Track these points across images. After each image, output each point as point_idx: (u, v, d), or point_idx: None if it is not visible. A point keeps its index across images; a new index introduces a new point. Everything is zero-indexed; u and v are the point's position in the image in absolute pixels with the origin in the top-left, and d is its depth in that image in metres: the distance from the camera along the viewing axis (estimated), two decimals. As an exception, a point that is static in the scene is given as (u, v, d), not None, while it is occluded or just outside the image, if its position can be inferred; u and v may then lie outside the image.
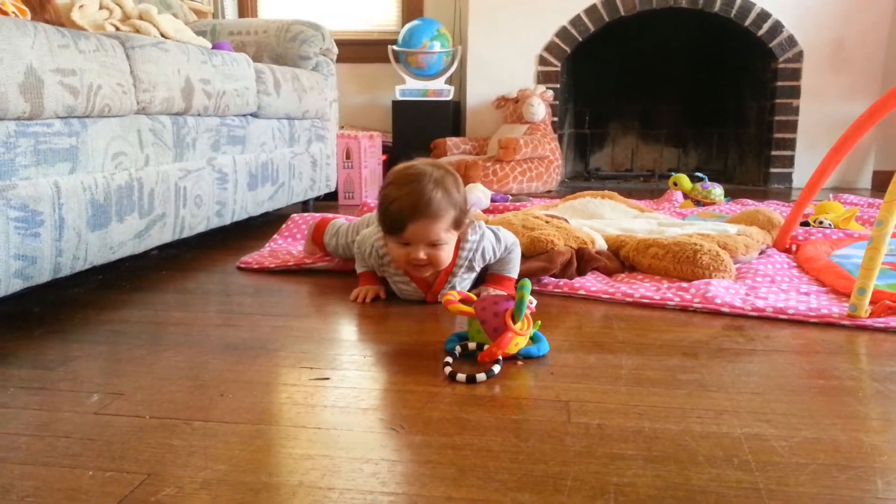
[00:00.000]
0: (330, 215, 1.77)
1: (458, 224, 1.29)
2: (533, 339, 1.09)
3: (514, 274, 1.41)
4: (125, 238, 1.46)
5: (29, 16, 1.55)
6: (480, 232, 1.35)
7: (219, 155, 1.88)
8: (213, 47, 2.03)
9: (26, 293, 1.40)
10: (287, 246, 1.88)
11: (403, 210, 1.23)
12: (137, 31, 1.79)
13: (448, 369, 0.99)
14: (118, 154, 1.44)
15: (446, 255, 1.29)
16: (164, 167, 1.61)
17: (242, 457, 0.76)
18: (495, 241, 1.38)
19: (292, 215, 2.02)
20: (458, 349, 1.06)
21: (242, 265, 1.71)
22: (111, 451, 0.77)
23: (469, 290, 1.38)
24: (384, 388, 0.96)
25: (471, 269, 1.37)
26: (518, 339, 1.04)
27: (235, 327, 1.23)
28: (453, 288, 1.36)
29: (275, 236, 1.95)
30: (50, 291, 1.45)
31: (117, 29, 1.79)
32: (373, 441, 0.80)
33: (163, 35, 1.83)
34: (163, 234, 1.61)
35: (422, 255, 1.26)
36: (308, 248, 1.73)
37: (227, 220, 1.93)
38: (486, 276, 1.43)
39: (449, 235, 1.28)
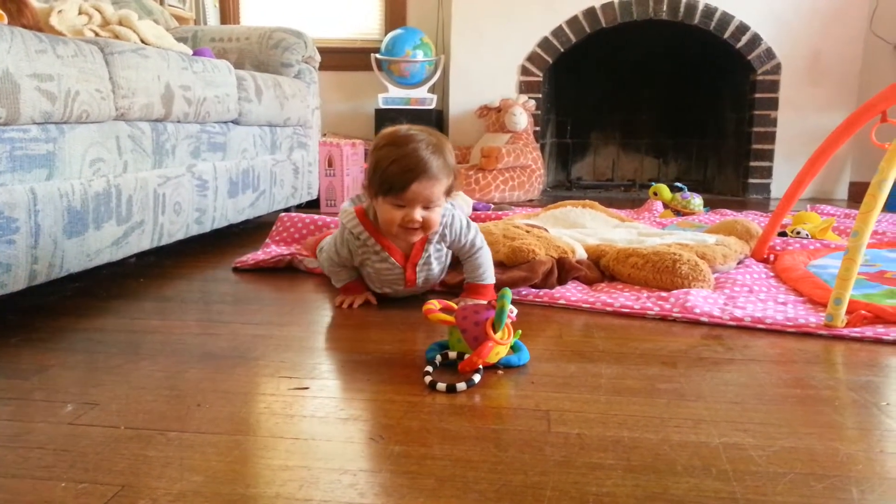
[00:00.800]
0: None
1: (449, 190, 1.30)
2: (514, 348, 1.09)
3: (491, 281, 1.41)
4: (102, 245, 1.45)
5: (6, 20, 1.53)
6: (448, 203, 1.37)
7: (199, 162, 1.86)
8: (194, 53, 2.02)
9: (1, 301, 1.37)
10: (281, 251, 1.87)
11: (407, 169, 1.23)
12: (117, 36, 1.77)
13: (428, 378, 0.98)
14: (96, 160, 1.43)
15: (437, 218, 1.30)
16: (143, 174, 1.60)
17: (219, 468, 0.75)
18: (463, 220, 1.39)
19: (281, 215, 2.01)
20: (438, 358, 1.06)
21: (238, 265, 1.74)
22: (85, 463, 0.76)
23: (450, 300, 1.38)
24: (364, 398, 0.96)
25: (442, 238, 1.37)
26: (499, 348, 1.04)
27: (214, 336, 1.22)
28: (428, 256, 1.37)
29: (267, 241, 1.95)
30: (25, 299, 1.43)
31: (97, 34, 1.78)
32: (352, 451, 0.80)
33: (143, 41, 1.82)
34: (141, 242, 1.60)
35: (418, 215, 1.26)
36: (307, 247, 1.75)
37: (207, 228, 1.92)
38: (464, 286, 1.43)
39: (442, 199, 1.29)
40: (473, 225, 1.41)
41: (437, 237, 1.37)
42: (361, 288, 1.44)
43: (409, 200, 1.25)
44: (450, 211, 1.37)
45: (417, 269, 1.37)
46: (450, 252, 1.42)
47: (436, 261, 1.40)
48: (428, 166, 1.23)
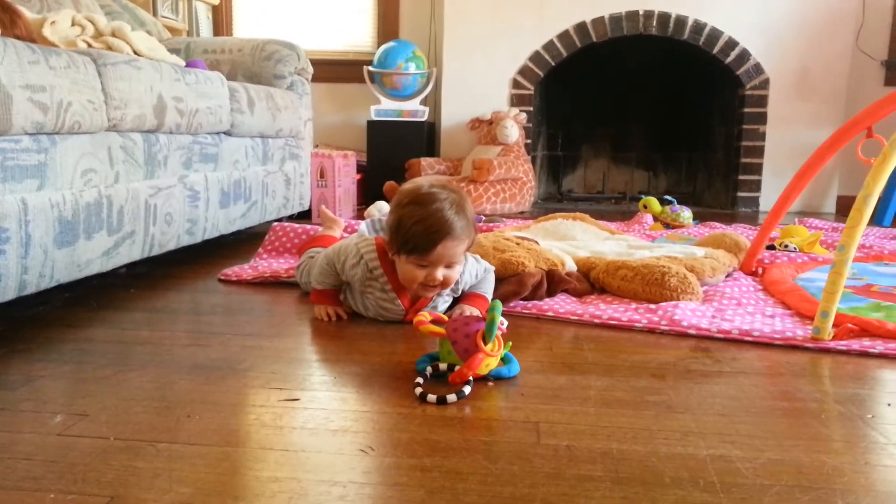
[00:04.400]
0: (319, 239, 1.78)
1: (469, 247, 1.31)
2: (504, 359, 1.10)
3: (490, 293, 1.43)
4: (93, 256, 1.45)
5: (-1, 31, 1.54)
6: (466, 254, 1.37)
7: (191, 173, 1.86)
8: (187, 65, 2.03)
9: (-11, 311, 1.37)
10: (272, 262, 1.87)
11: (433, 231, 1.22)
12: (110, 48, 1.78)
13: (419, 390, 0.99)
14: (87, 171, 1.43)
15: (457, 275, 1.31)
16: (135, 184, 1.60)
17: (208, 479, 0.75)
18: (476, 264, 1.41)
19: (273, 225, 2.01)
20: (429, 370, 1.07)
21: (223, 277, 1.75)
22: (74, 474, 0.76)
23: (444, 312, 1.38)
24: (354, 410, 0.96)
25: (454, 290, 1.38)
26: (489, 359, 1.04)
27: (204, 347, 1.22)
28: (435, 307, 1.37)
29: (259, 250, 1.95)
30: (14, 309, 1.42)
31: (89, 46, 1.78)
32: (341, 463, 0.80)
33: (136, 52, 1.82)
34: (132, 252, 1.60)
35: (439, 275, 1.27)
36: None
37: (199, 238, 1.92)
38: (463, 294, 1.43)
39: (462, 257, 1.31)
40: (482, 262, 1.43)
41: (448, 290, 1.37)
42: (334, 298, 1.43)
43: (433, 261, 1.26)
44: (465, 263, 1.36)
45: (420, 312, 1.36)
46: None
47: (442, 304, 1.40)
48: (452, 227, 1.23)
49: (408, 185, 1.33)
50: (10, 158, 1.21)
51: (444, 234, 1.23)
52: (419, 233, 1.22)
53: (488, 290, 1.43)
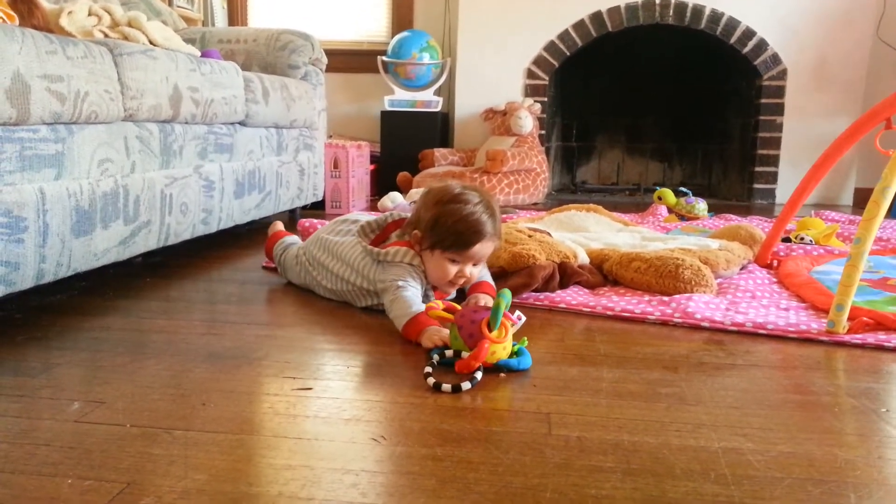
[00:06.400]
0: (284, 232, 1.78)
1: (497, 247, 1.38)
2: (517, 353, 1.10)
3: (490, 280, 1.45)
4: (109, 245, 1.46)
5: (17, 21, 1.55)
6: None
7: (206, 163, 1.88)
8: (202, 55, 2.04)
9: (8, 299, 1.39)
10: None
11: (473, 230, 1.28)
12: (126, 38, 1.79)
13: (431, 380, 0.99)
14: (104, 161, 1.44)
15: (479, 273, 1.37)
16: (151, 174, 1.61)
17: (223, 466, 0.76)
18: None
19: (300, 220, 2.03)
20: (436, 357, 1.07)
21: (266, 265, 1.80)
22: (91, 460, 0.77)
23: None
24: (366, 399, 0.97)
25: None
26: (495, 346, 1.04)
27: (219, 336, 1.23)
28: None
29: None
30: (32, 298, 1.44)
31: (106, 36, 1.79)
32: (354, 452, 0.81)
33: (151, 42, 1.83)
34: (148, 242, 1.61)
35: (468, 272, 1.32)
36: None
37: (213, 228, 1.93)
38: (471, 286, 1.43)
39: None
40: None
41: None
42: (429, 319, 1.20)
43: (468, 258, 1.31)
44: None
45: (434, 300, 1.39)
46: None
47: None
48: (489, 228, 1.29)
49: (438, 185, 1.36)
50: (29, 148, 1.23)
51: (483, 234, 1.28)
52: (460, 231, 1.28)
53: (489, 277, 1.46)
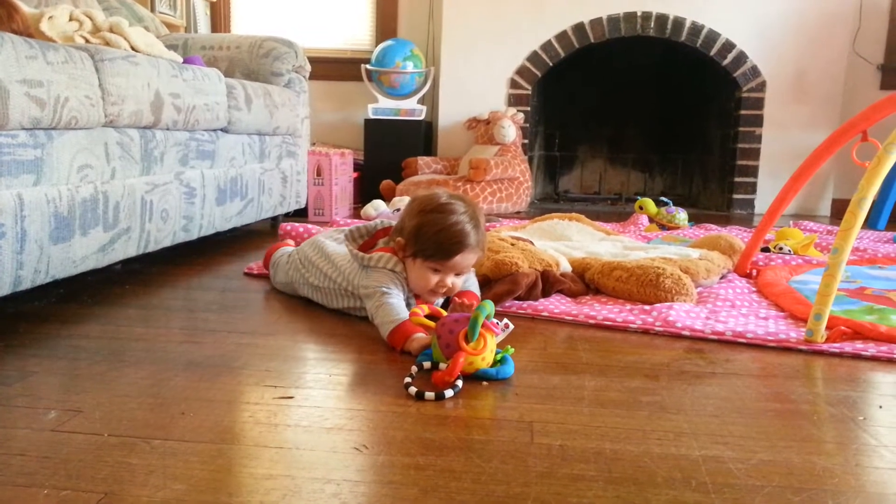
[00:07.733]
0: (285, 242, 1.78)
1: (480, 258, 1.36)
2: (501, 361, 1.09)
3: (476, 290, 1.44)
4: (88, 252, 1.44)
5: (-4, 25, 1.53)
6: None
7: (187, 169, 1.86)
8: (185, 61, 2.02)
9: (-16, 306, 1.37)
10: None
11: (455, 241, 1.27)
12: (108, 43, 1.77)
13: (413, 389, 0.99)
14: (84, 167, 1.43)
15: (461, 284, 1.36)
16: (131, 181, 1.60)
17: (202, 476, 0.75)
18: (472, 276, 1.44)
19: (282, 224, 2.02)
20: (414, 368, 1.06)
21: (247, 271, 1.81)
22: (67, 470, 0.76)
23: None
24: (348, 408, 0.96)
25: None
26: (472, 358, 1.04)
27: (199, 344, 1.22)
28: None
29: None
30: (9, 305, 1.42)
31: (87, 41, 1.78)
32: (335, 461, 0.80)
33: (133, 48, 1.82)
34: (127, 249, 1.59)
35: (450, 282, 1.31)
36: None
37: (194, 235, 1.92)
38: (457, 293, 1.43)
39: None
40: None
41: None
42: (415, 325, 1.21)
43: (449, 268, 1.30)
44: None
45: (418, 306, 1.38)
46: None
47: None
48: (472, 239, 1.28)
49: (424, 193, 1.35)
50: (7, 153, 1.21)
51: (466, 245, 1.28)
52: (441, 241, 1.27)
53: (475, 286, 1.45)
